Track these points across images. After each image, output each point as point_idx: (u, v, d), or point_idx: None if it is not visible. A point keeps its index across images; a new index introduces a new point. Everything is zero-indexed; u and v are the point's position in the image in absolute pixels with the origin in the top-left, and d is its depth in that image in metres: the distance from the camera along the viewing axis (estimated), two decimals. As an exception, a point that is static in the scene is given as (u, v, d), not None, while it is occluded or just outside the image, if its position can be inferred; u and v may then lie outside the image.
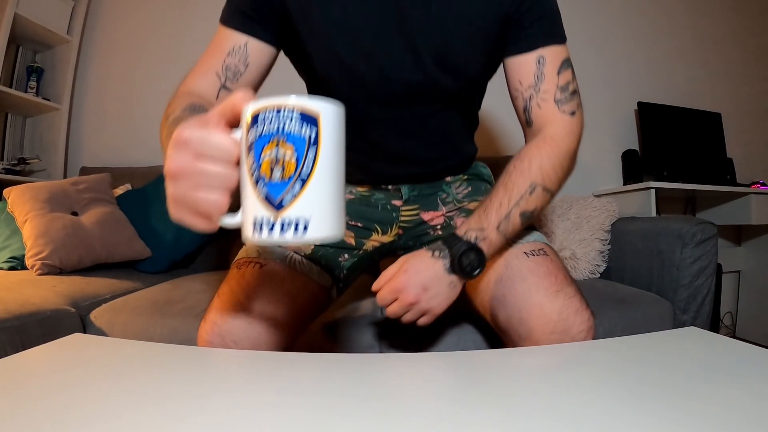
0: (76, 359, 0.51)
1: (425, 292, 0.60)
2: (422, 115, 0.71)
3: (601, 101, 2.11)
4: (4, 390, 0.41)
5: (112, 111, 2.00)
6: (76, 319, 1.01)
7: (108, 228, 1.44)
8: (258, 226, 0.33)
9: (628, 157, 2.01)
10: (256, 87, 0.68)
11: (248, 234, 0.35)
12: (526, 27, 0.65)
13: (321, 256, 0.74)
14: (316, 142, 0.32)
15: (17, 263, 1.36)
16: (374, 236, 0.80)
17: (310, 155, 0.32)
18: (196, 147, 0.34)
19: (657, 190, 1.75)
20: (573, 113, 0.66)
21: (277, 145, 0.32)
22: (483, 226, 0.62)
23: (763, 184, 1.90)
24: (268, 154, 0.32)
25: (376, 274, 0.67)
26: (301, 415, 0.36)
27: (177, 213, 0.37)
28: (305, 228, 0.33)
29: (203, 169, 0.34)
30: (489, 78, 0.76)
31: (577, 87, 0.68)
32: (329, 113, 0.33)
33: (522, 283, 0.63)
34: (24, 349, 0.52)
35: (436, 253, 0.62)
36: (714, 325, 1.84)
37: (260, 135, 0.33)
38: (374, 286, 0.64)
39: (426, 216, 0.81)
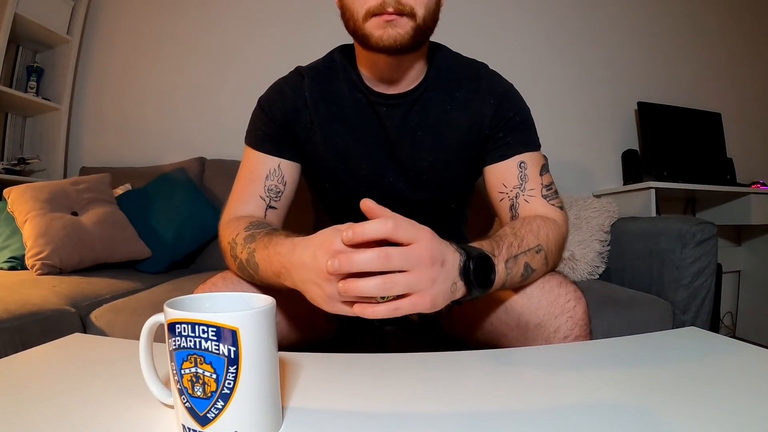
0: (76, 359, 0.51)
1: (441, 266, 0.45)
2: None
3: (601, 101, 2.10)
4: (4, 390, 0.41)
5: (111, 111, 1.99)
6: (76, 319, 1.01)
7: (108, 228, 1.43)
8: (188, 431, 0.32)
9: (628, 157, 2.01)
10: (292, 197, 0.75)
11: None
12: (506, 137, 0.71)
13: None
14: (236, 359, 0.30)
15: (17, 263, 1.36)
16: None
17: (231, 373, 0.30)
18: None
19: (657, 190, 1.75)
20: (561, 207, 0.69)
21: (195, 363, 0.31)
22: (494, 252, 0.54)
23: (763, 184, 1.90)
24: (187, 370, 0.31)
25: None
26: (303, 414, 0.36)
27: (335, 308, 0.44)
28: None
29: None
30: (474, 183, 0.83)
31: (557, 188, 0.71)
32: (249, 324, 0.31)
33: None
34: (24, 349, 0.52)
35: (454, 246, 0.49)
36: (714, 325, 1.84)
37: (178, 347, 0.31)
38: (369, 205, 0.47)
39: None
